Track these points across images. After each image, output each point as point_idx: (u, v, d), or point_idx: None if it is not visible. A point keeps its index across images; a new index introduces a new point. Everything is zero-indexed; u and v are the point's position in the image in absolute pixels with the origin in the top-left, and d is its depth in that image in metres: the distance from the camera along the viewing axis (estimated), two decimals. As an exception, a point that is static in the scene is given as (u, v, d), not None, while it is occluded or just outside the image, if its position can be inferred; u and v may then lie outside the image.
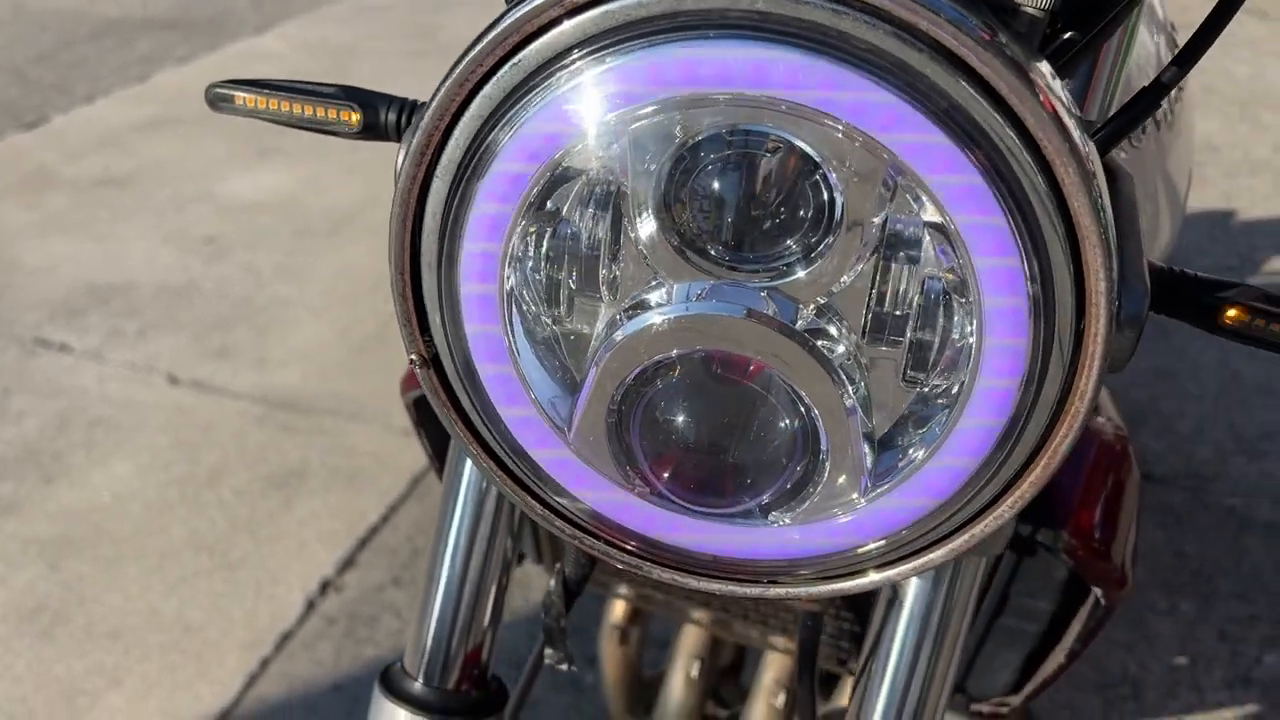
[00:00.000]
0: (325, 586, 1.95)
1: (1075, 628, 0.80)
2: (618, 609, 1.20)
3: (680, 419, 0.48)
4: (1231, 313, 0.50)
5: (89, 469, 2.24)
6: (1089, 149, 0.41)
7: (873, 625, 0.66)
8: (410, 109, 0.59)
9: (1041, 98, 0.39)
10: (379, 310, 2.76)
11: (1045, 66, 0.43)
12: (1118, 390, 2.49)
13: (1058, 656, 0.82)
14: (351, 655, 1.82)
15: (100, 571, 1.99)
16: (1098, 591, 0.72)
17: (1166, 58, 1.09)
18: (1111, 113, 0.64)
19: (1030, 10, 0.46)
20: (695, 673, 1.15)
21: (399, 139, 0.57)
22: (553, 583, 0.73)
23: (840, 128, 0.40)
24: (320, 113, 0.59)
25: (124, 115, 4.08)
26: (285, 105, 0.59)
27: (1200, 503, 2.19)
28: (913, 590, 0.63)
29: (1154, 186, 0.98)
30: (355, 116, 0.58)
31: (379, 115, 0.58)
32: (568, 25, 0.41)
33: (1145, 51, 1.02)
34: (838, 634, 0.94)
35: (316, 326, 2.71)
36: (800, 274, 0.44)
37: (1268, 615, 1.91)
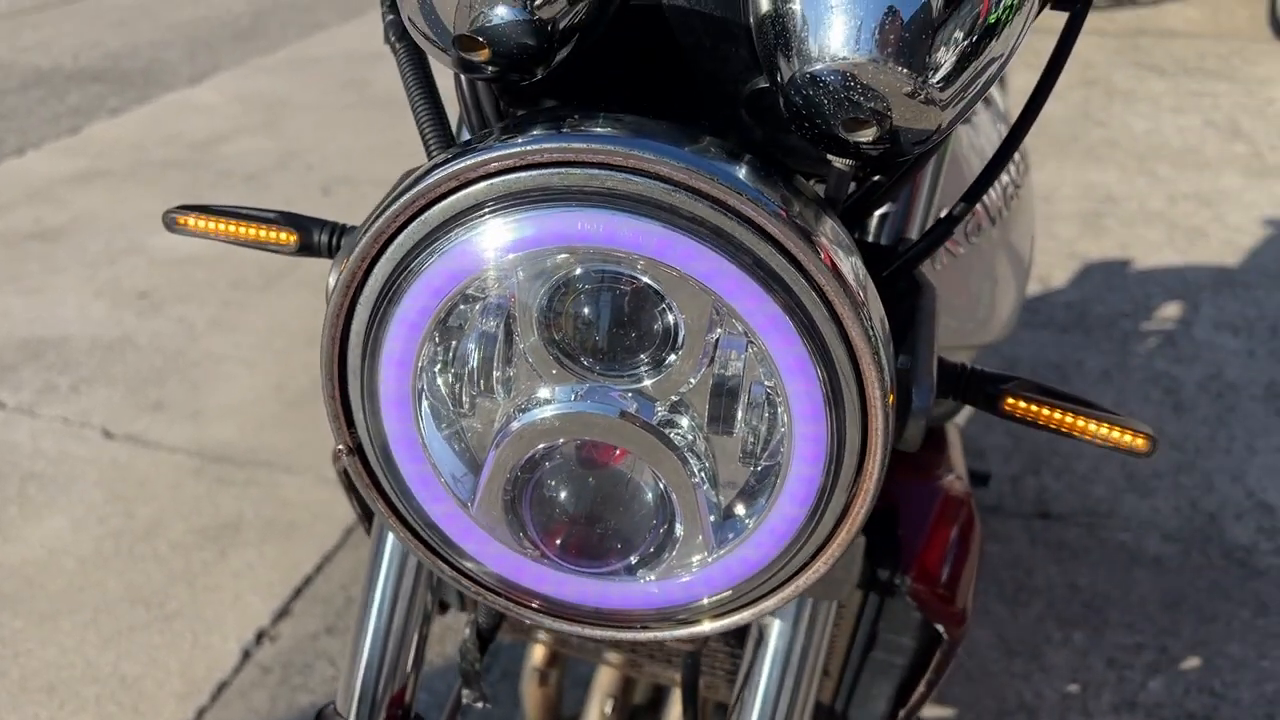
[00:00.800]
0: (260, 636, 2.01)
1: (933, 660, 0.91)
2: (538, 653, 1.29)
3: (563, 495, 0.59)
4: (1010, 400, 0.63)
5: (22, 524, 2.27)
6: (865, 287, 0.53)
7: (744, 661, 0.77)
8: (340, 231, 0.69)
9: (822, 254, 0.50)
10: (311, 365, 2.82)
11: (831, 225, 0.55)
12: (1023, 434, 2.65)
13: (921, 686, 0.94)
14: (287, 702, 1.88)
15: (34, 626, 2.02)
16: (941, 629, 0.84)
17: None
18: (938, 217, 0.77)
19: (838, 165, 0.58)
20: (610, 710, 1.25)
21: (330, 256, 0.68)
22: (468, 631, 0.82)
23: (675, 273, 0.52)
24: (262, 234, 0.69)
25: (55, 167, 4.11)
26: (231, 227, 0.69)
27: (1095, 538, 2.34)
28: (775, 630, 0.74)
29: (993, 271, 1.12)
30: (292, 238, 0.68)
31: (313, 237, 0.69)
32: (465, 192, 0.52)
33: (988, 140, 1.16)
34: (733, 668, 1.05)
35: (250, 380, 2.77)
36: (655, 379, 0.56)
37: (1153, 643, 2.05)
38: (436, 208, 0.52)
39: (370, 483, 0.61)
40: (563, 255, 0.53)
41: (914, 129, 0.53)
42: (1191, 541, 2.30)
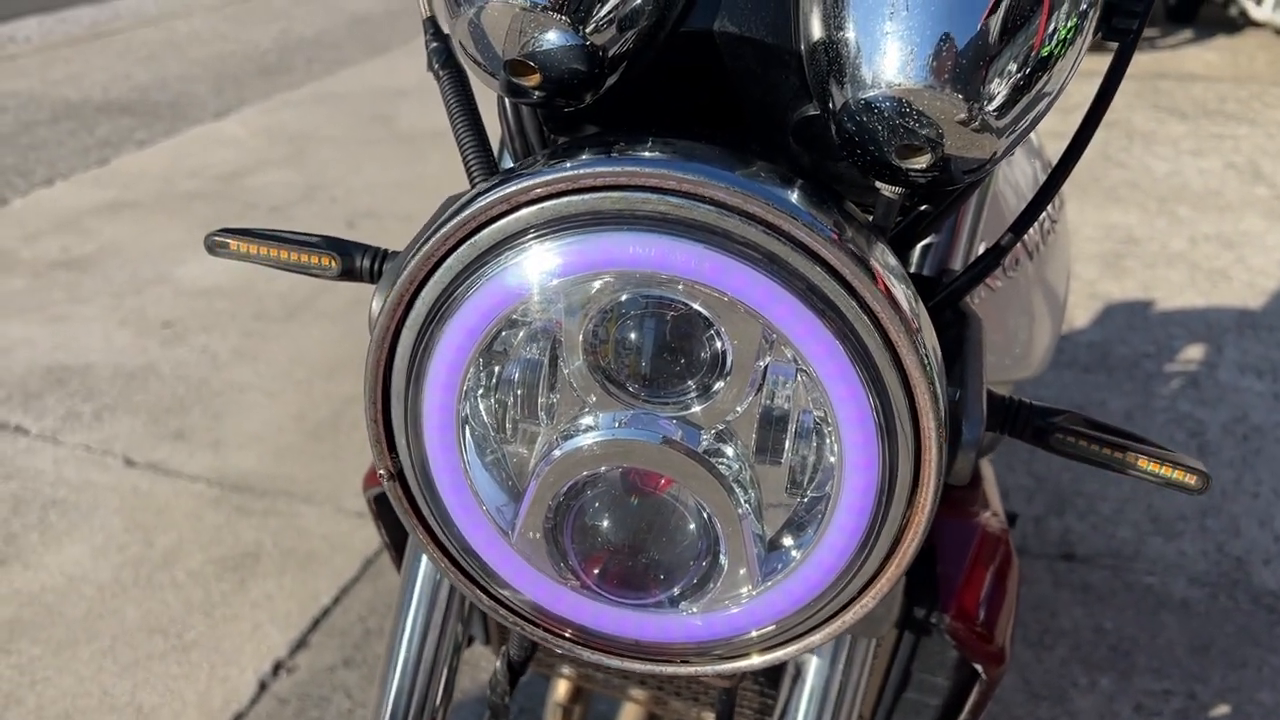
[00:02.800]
0: (278, 667, 1.99)
1: (969, 701, 0.90)
2: (561, 688, 1.27)
3: (605, 524, 0.58)
4: (1060, 435, 0.62)
5: (43, 551, 2.27)
6: (918, 315, 0.53)
7: (780, 698, 0.75)
8: (382, 256, 0.69)
9: (877, 280, 0.50)
10: (333, 395, 2.83)
11: (883, 252, 0.55)
12: (1045, 475, 2.63)
13: None
14: (303, 736, 1.86)
15: (52, 654, 2.02)
16: (980, 668, 0.83)
17: (1041, 179, 1.24)
18: (979, 249, 0.76)
19: (887, 194, 0.57)
20: (634, 747, 1.23)
21: (373, 282, 0.68)
22: (499, 664, 0.81)
23: (726, 299, 0.51)
24: (304, 259, 0.69)
25: (83, 198, 4.16)
26: (274, 251, 0.69)
27: (1120, 581, 2.30)
28: (813, 668, 0.73)
29: (1030, 305, 1.11)
30: (334, 263, 0.68)
31: (355, 261, 0.69)
32: (514, 216, 0.52)
33: (1024, 176, 1.16)
34: (761, 708, 1.03)
35: (272, 410, 2.78)
36: (701, 406, 0.55)
37: (1181, 689, 2.02)
38: (485, 231, 0.52)
39: (410, 508, 0.60)
40: (610, 280, 0.53)
41: (966, 157, 0.52)
42: (1219, 585, 2.27)
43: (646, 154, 0.52)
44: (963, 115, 0.50)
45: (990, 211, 0.91)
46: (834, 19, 0.52)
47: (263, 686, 1.95)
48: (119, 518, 2.38)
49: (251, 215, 4.00)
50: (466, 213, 0.52)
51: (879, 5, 0.50)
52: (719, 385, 0.55)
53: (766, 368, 0.54)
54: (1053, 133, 1.98)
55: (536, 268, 0.52)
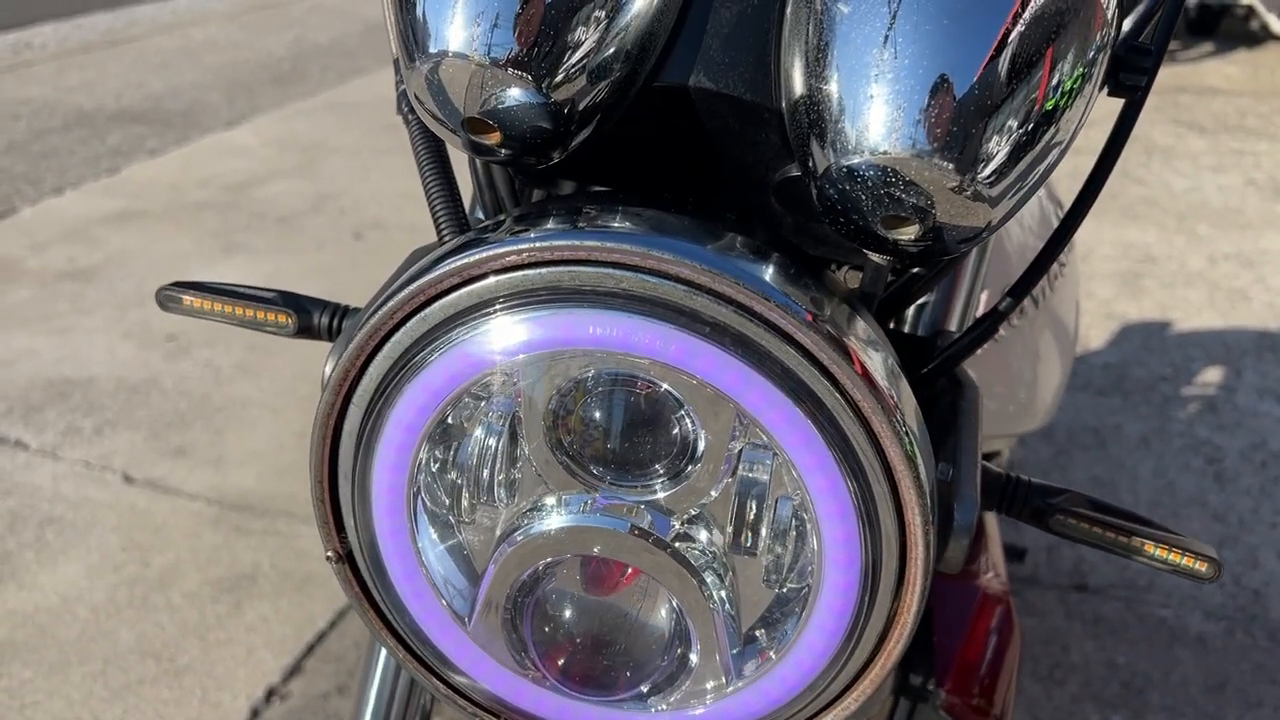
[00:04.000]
0: (271, 694, 1.96)
1: None
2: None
3: (567, 614, 0.54)
4: (1059, 517, 0.57)
5: (38, 570, 2.25)
6: (899, 395, 0.49)
7: None
8: (341, 314, 0.65)
9: (854, 363, 0.46)
10: (336, 411, 2.80)
11: (864, 328, 0.50)
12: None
13: None
14: (294, 766, 1.83)
15: (44, 676, 1.99)
16: (977, 743, 0.78)
17: (1050, 211, 1.19)
18: (979, 304, 0.72)
19: (876, 260, 0.53)
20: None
21: (331, 339, 0.64)
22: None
23: (695, 381, 0.47)
24: (260, 315, 0.65)
25: (92, 207, 4.15)
26: (228, 308, 0.65)
27: (1134, 613, 2.25)
28: None
29: (1035, 354, 1.06)
30: (291, 320, 0.65)
31: (312, 319, 0.65)
32: (469, 289, 0.48)
33: (1031, 214, 1.12)
34: None
35: (274, 427, 2.75)
36: (671, 491, 0.51)
37: (1195, 728, 1.97)
38: (438, 304, 0.49)
39: (360, 592, 0.56)
40: (574, 358, 0.49)
41: (960, 226, 0.48)
42: (1235, 620, 2.21)
43: (613, 225, 0.48)
44: (954, 184, 0.46)
45: (995, 255, 0.87)
46: (816, 76, 0.48)
47: (255, 713, 1.92)
48: (116, 536, 2.35)
49: (260, 226, 3.98)
50: (418, 284, 0.48)
51: (864, 63, 0.46)
52: (690, 469, 0.51)
53: (741, 451, 0.50)
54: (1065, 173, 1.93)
55: (493, 343, 0.49)
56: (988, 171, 0.46)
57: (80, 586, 2.20)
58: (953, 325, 0.72)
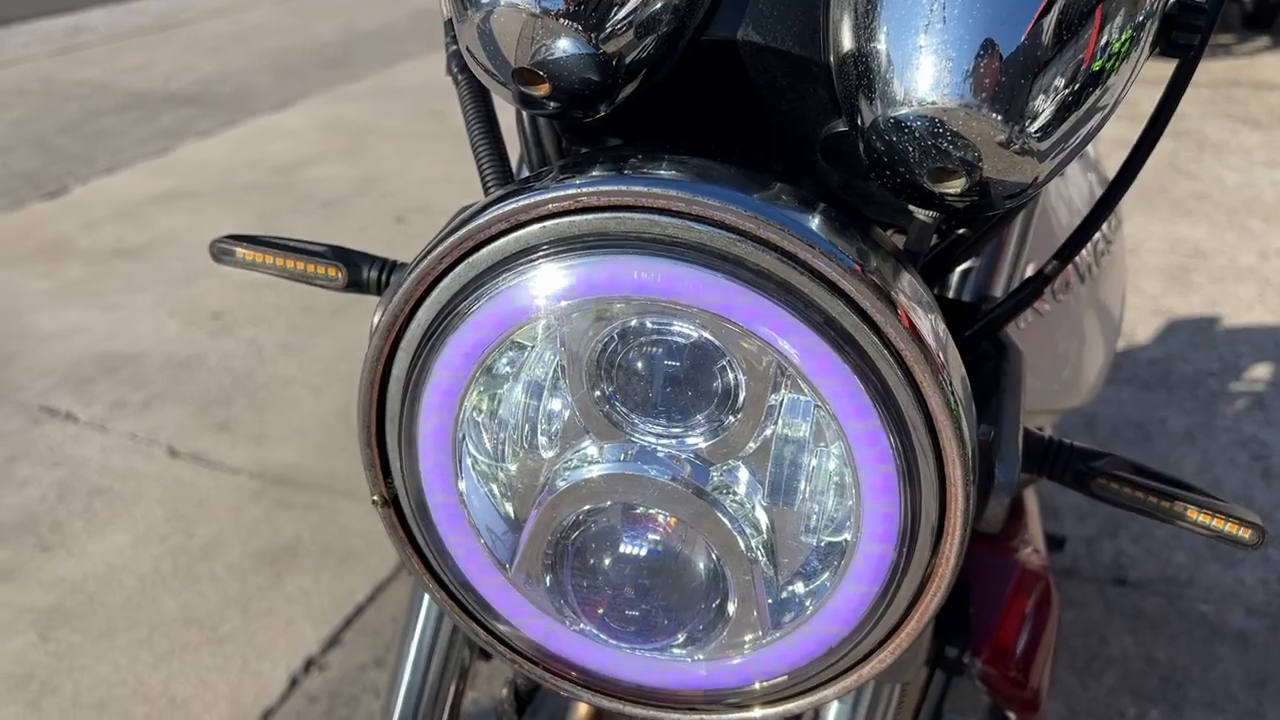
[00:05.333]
0: (309, 665, 1.99)
1: None
2: (580, 711, 1.24)
3: (607, 562, 0.55)
4: (1102, 480, 0.57)
5: (86, 539, 2.30)
6: (946, 350, 0.49)
7: None
8: (390, 268, 0.66)
9: (900, 314, 0.46)
10: (378, 390, 2.83)
11: (910, 282, 0.50)
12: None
13: None
14: (331, 735, 1.85)
15: (91, 642, 2.03)
16: (1012, 716, 0.78)
17: (1098, 193, 1.18)
18: (1025, 273, 0.71)
19: (922, 217, 0.53)
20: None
21: (379, 293, 0.65)
22: (505, 690, 0.78)
23: (737, 329, 0.47)
24: (310, 269, 0.66)
25: (143, 187, 4.22)
26: (279, 260, 0.67)
27: (1174, 609, 2.22)
28: (832, 713, 0.69)
29: (1080, 330, 1.06)
30: (340, 273, 0.66)
31: (361, 273, 0.66)
32: (514, 235, 0.49)
33: (1079, 191, 1.10)
34: None
35: (315, 405, 2.78)
36: (711, 441, 0.52)
37: (1236, 725, 1.94)
38: (485, 250, 0.49)
39: (404, 537, 0.57)
40: (618, 305, 0.49)
41: (1006, 181, 0.48)
42: (1278, 617, 2.17)
43: (659, 172, 0.49)
44: (1001, 137, 0.46)
45: (1040, 229, 0.86)
46: (865, 29, 0.48)
47: (294, 683, 1.95)
48: (161, 508, 2.39)
49: (305, 208, 4.02)
50: (465, 230, 0.49)
51: (913, 15, 0.46)
52: (730, 419, 0.51)
53: (782, 402, 0.50)
54: (1116, 140, 1.91)
55: (537, 289, 0.49)
56: (1035, 126, 0.46)
57: (126, 556, 2.25)
58: (997, 292, 0.72)
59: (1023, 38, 0.45)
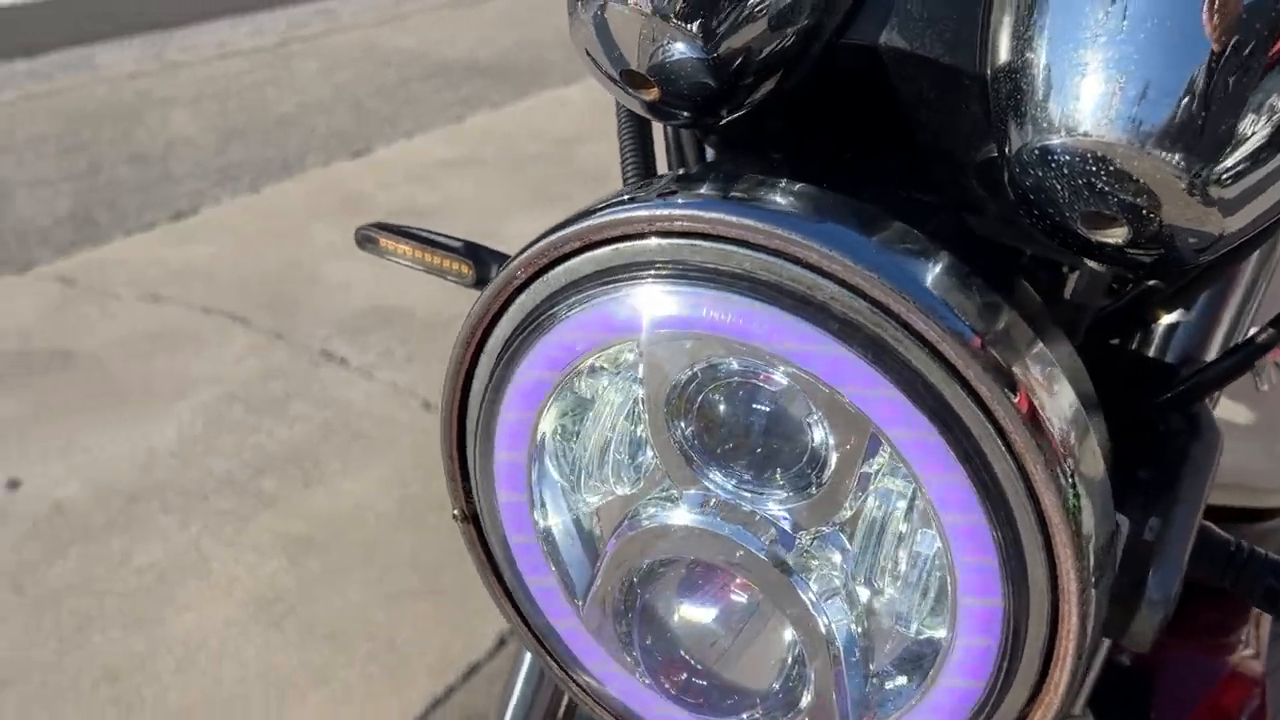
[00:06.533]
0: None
1: None
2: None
3: (675, 617, 0.50)
4: None
5: (341, 478, 2.48)
6: (1079, 436, 0.40)
7: None
8: None
9: (1018, 391, 0.38)
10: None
11: (1042, 352, 0.42)
12: None
13: None
14: (527, 700, 1.90)
15: (331, 574, 2.19)
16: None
17: None
18: (1248, 331, 0.60)
19: (1092, 266, 0.45)
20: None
21: None
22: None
23: (823, 385, 0.41)
24: (442, 263, 0.65)
25: (436, 152, 4.49)
26: (416, 252, 0.66)
27: None
28: None
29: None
30: (470, 270, 0.64)
31: (490, 271, 0.64)
32: (586, 256, 0.45)
33: None
34: None
35: (560, 373, 2.86)
36: (796, 504, 0.45)
37: None
38: (558, 269, 0.46)
39: (484, 557, 0.55)
40: (691, 341, 0.44)
41: (1180, 235, 0.39)
42: None
43: (752, 197, 0.43)
44: (1173, 179, 0.37)
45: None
46: (1021, 37, 0.40)
47: (501, 642, 2.02)
48: (409, 456, 2.54)
49: (579, 179, 4.15)
50: (539, 246, 0.45)
51: (1077, 24, 0.38)
52: (819, 482, 0.45)
53: (879, 470, 0.43)
54: None
55: (609, 315, 0.45)
56: (1222, 168, 0.37)
57: (372, 497, 2.41)
58: (1210, 354, 0.60)
59: (1210, 59, 0.36)
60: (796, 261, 0.40)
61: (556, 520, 0.51)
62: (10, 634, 2.04)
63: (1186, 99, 0.36)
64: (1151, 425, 0.52)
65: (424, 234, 0.67)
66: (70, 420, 2.68)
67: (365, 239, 0.69)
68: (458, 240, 0.66)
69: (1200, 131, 0.36)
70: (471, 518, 0.54)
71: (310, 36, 6.29)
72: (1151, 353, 0.60)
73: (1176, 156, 0.37)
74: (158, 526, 2.32)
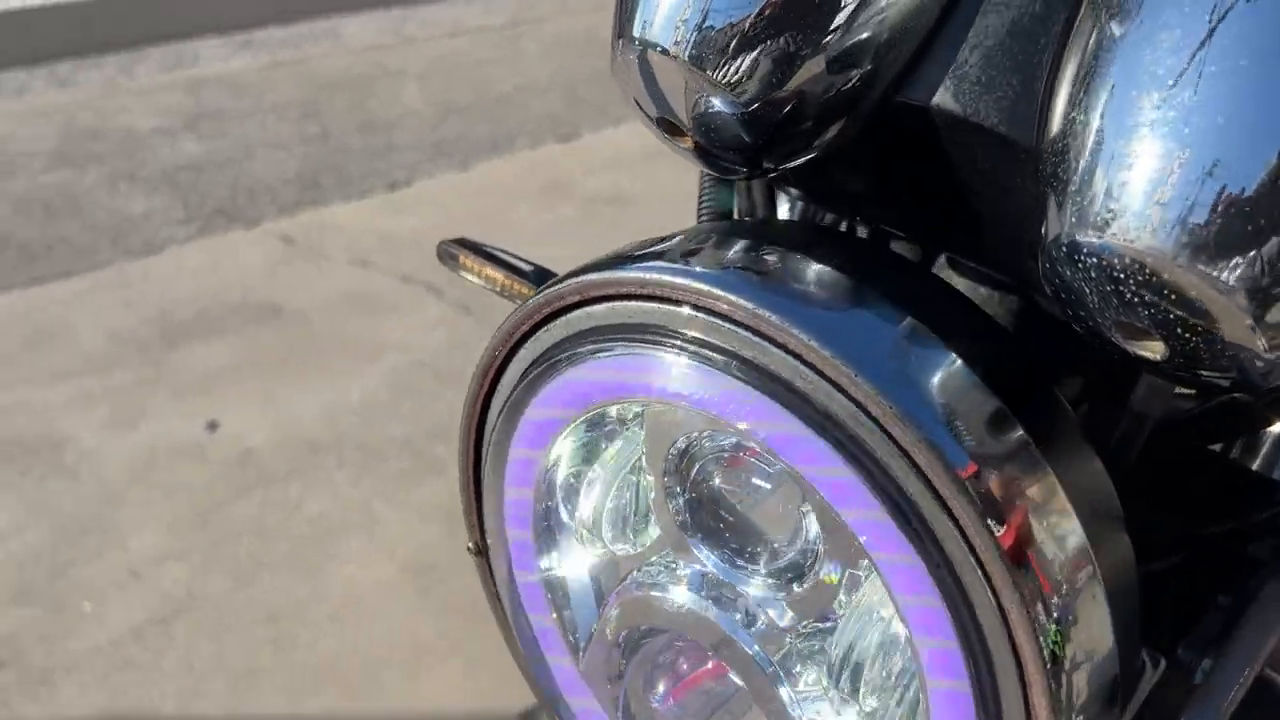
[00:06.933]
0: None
1: None
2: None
3: (661, 687, 0.48)
4: None
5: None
6: (1075, 578, 0.35)
7: None
8: None
9: (1007, 540, 0.34)
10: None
11: (1052, 484, 0.37)
12: None
13: None
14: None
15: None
16: None
17: None
18: None
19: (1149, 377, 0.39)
20: None
21: None
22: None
23: (824, 504, 0.38)
24: (510, 285, 0.65)
25: (638, 142, 4.54)
26: (488, 273, 0.66)
27: None
28: None
29: None
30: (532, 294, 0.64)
31: None
32: (579, 312, 0.43)
33: None
34: None
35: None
36: (787, 593, 0.42)
37: None
38: (555, 323, 0.44)
39: (496, 592, 0.55)
40: (710, 421, 0.42)
41: (1225, 357, 0.34)
42: None
43: (755, 269, 0.40)
44: (1217, 298, 0.32)
45: None
46: (1072, 114, 0.36)
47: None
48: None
49: (778, 179, 4.10)
50: (548, 293, 0.44)
51: (1131, 105, 0.33)
52: (807, 573, 0.42)
53: (866, 575, 0.40)
54: None
55: (625, 372, 0.43)
56: (1264, 286, 0.31)
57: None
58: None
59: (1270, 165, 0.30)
60: (771, 340, 0.37)
61: (562, 563, 0.50)
62: (192, 566, 2.22)
63: (1249, 208, 0.31)
64: (1239, 548, 0.46)
65: (501, 255, 0.67)
66: (271, 371, 2.88)
67: (446, 254, 0.70)
68: (529, 264, 0.66)
69: (1245, 244, 0.31)
70: (484, 551, 0.54)
71: (537, 20, 6.48)
72: (1257, 465, 0.52)
73: (1228, 273, 0.32)
74: (331, 481, 2.45)
